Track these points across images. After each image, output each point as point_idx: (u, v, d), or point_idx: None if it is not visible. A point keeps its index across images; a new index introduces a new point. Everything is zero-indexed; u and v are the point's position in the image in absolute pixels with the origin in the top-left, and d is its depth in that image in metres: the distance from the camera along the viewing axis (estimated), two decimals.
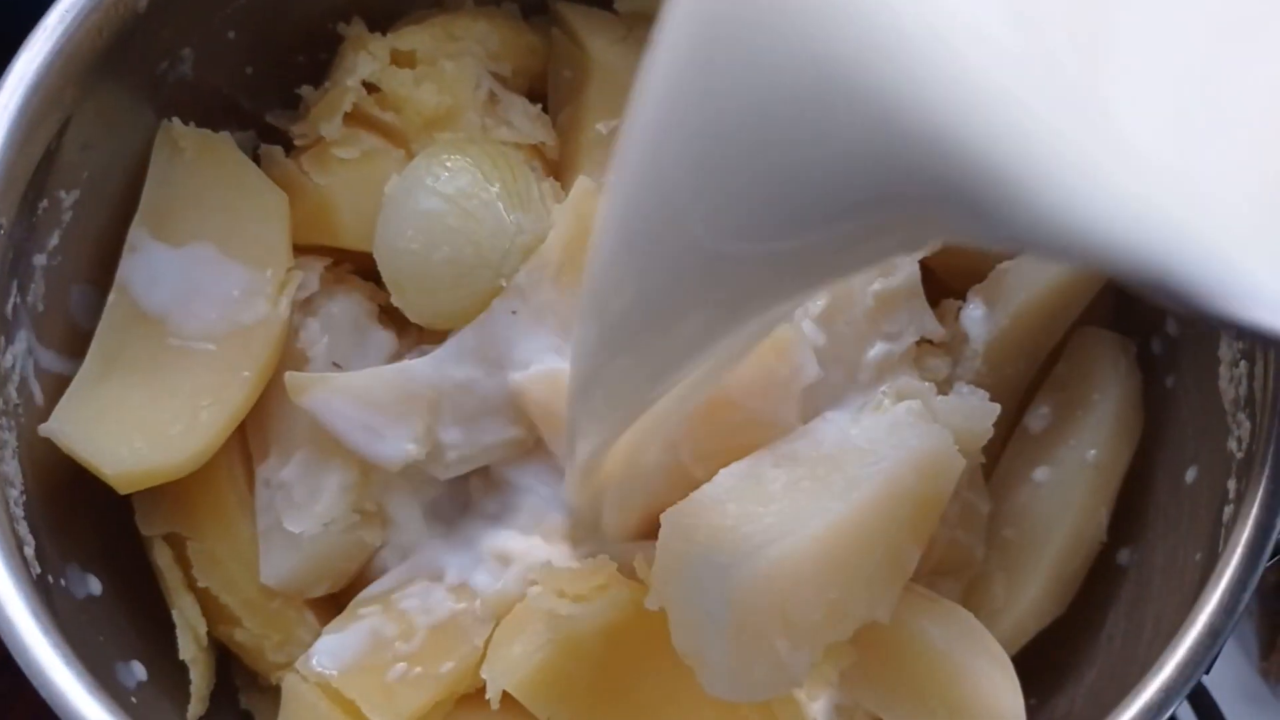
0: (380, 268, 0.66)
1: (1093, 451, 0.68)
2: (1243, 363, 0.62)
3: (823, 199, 0.35)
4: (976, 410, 0.65)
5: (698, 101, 0.37)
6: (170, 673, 0.66)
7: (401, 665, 0.63)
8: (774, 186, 0.35)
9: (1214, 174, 0.29)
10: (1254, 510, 0.57)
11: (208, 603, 0.67)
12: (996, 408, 0.65)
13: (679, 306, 0.43)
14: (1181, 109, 0.29)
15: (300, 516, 0.65)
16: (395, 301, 0.66)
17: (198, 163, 0.68)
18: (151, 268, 0.66)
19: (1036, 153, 0.29)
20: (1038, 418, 0.70)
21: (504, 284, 0.65)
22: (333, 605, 0.68)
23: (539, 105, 0.74)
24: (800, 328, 0.65)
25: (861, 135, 0.32)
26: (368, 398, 0.64)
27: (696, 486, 0.60)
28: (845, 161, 0.33)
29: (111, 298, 0.66)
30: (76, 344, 0.65)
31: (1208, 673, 0.56)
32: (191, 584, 0.67)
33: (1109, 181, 0.28)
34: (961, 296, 0.70)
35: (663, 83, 0.38)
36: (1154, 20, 0.30)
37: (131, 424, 0.63)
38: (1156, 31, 0.30)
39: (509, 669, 0.59)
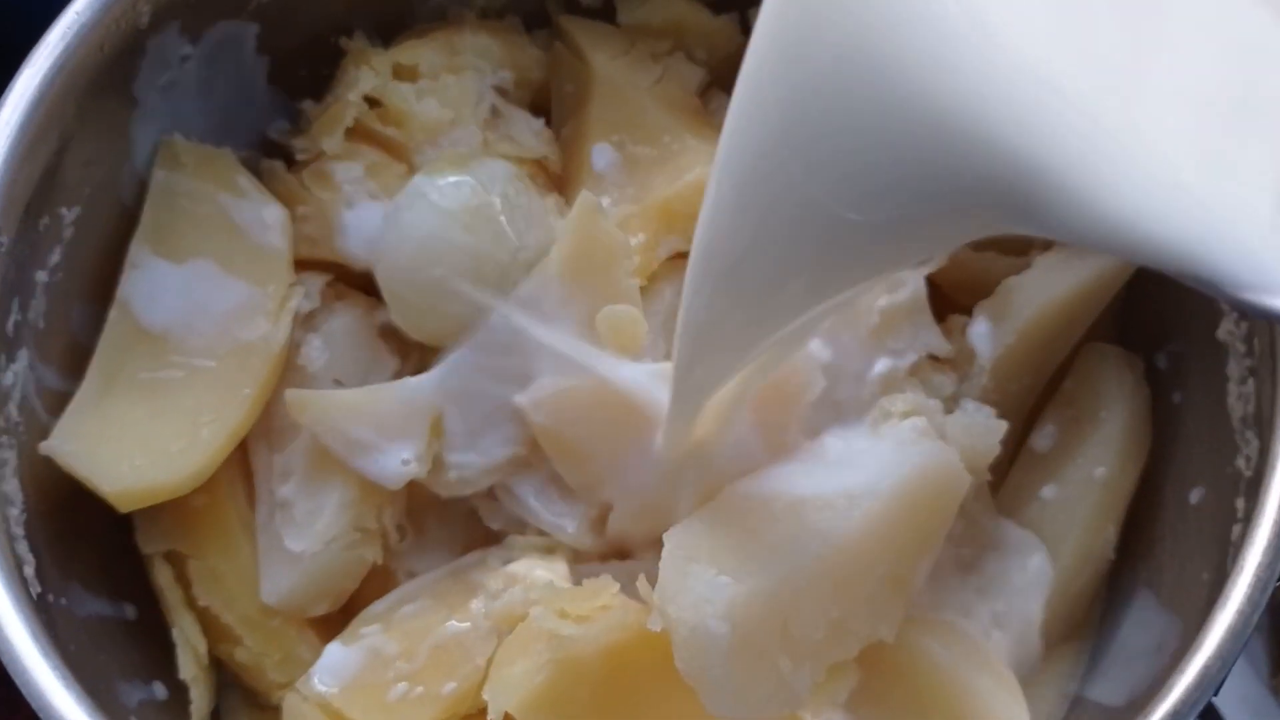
0: (380, 283, 0.66)
1: (1100, 469, 0.67)
2: (1251, 380, 0.61)
3: (907, 185, 0.39)
4: (983, 427, 0.65)
5: (798, 91, 0.41)
6: (171, 692, 0.66)
7: (403, 685, 0.62)
8: (870, 169, 0.40)
9: (1240, 179, 0.34)
10: (1263, 530, 0.56)
11: (208, 621, 0.67)
12: (1004, 425, 0.65)
13: (789, 263, 0.46)
14: (1212, 118, 0.34)
15: (301, 534, 0.65)
16: (395, 317, 0.66)
17: (198, 178, 0.68)
18: (152, 284, 0.66)
19: (1082, 159, 0.34)
20: (1045, 435, 0.69)
21: (506, 300, 0.64)
22: (334, 624, 0.67)
23: (541, 119, 0.74)
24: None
25: (930, 138, 0.37)
26: (368, 415, 0.64)
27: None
28: (921, 157, 0.38)
29: (112, 314, 0.65)
30: (77, 361, 0.65)
31: (1216, 693, 0.55)
32: (192, 602, 0.67)
33: (1145, 182, 0.33)
34: (968, 312, 0.70)
35: (768, 76, 0.43)
36: (1185, 49, 0.35)
37: (131, 442, 0.63)
38: (1188, 56, 0.35)
39: (510, 689, 0.59)
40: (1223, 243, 0.33)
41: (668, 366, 0.64)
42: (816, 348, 0.65)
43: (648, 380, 0.63)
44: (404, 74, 0.72)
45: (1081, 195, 0.34)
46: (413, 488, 0.66)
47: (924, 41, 0.36)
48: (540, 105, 0.76)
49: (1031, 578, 0.67)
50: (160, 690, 0.66)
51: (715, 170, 0.47)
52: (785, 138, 0.42)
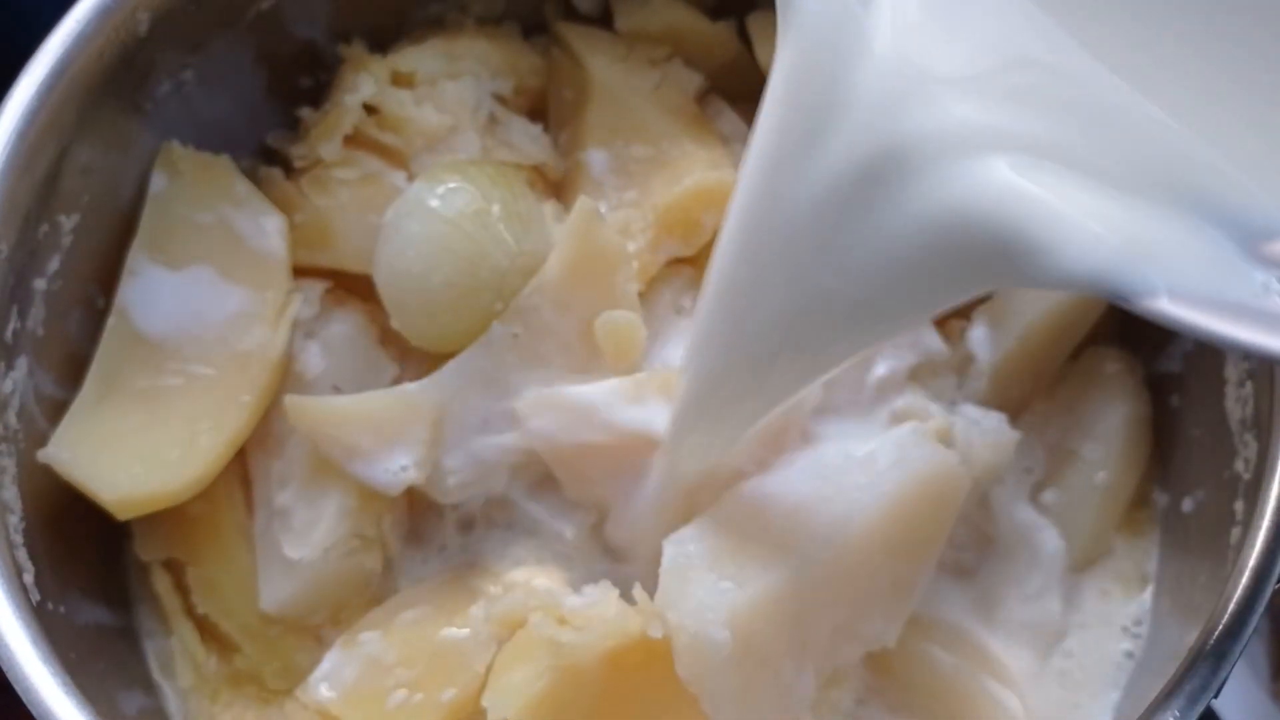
0: (380, 290, 0.66)
1: (1101, 473, 0.67)
2: (1249, 383, 0.61)
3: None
4: (994, 435, 0.65)
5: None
6: (170, 700, 0.66)
7: (402, 692, 0.62)
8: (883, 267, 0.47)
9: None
10: (1261, 533, 0.56)
11: (207, 629, 0.67)
12: (1015, 435, 0.65)
13: (801, 334, 0.51)
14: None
15: (299, 542, 0.64)
16: (395, 324, 0.66)
17: (197, 185, 0.68)
18: (151, 291, 0.66)
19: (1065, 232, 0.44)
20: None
21: (504, 306, 0.64)
22: (333, 631, 0.67)
23: (539, 125, 0.74)
24: None
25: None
26: (367, 422, 0.64)
27: None
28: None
29: (110, 321, 0.65)
30: (76, 369, 0.65)
31: (1216, 696, 0.55)
32: (190, 610, 0.67)
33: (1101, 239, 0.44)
34: (966, 316, 0.70)
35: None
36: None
37: (129, 449, 0.63)
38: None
39: (510, 697, 0.59)
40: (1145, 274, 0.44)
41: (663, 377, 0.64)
42: None
43: (644, 415, 0.64)
44: (402, 81, 0.72)
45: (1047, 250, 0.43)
46: (412, 494, 0.66)
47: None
48: (538, 111, 0.76)
49: (1032, 582, 0.67)
50: (159, 698, 0.66)
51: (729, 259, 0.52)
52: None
